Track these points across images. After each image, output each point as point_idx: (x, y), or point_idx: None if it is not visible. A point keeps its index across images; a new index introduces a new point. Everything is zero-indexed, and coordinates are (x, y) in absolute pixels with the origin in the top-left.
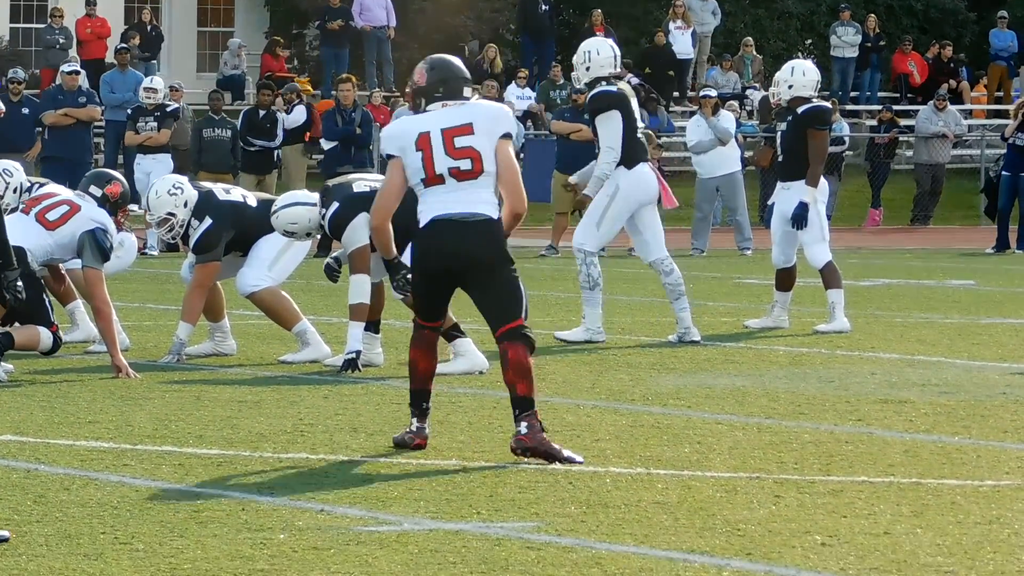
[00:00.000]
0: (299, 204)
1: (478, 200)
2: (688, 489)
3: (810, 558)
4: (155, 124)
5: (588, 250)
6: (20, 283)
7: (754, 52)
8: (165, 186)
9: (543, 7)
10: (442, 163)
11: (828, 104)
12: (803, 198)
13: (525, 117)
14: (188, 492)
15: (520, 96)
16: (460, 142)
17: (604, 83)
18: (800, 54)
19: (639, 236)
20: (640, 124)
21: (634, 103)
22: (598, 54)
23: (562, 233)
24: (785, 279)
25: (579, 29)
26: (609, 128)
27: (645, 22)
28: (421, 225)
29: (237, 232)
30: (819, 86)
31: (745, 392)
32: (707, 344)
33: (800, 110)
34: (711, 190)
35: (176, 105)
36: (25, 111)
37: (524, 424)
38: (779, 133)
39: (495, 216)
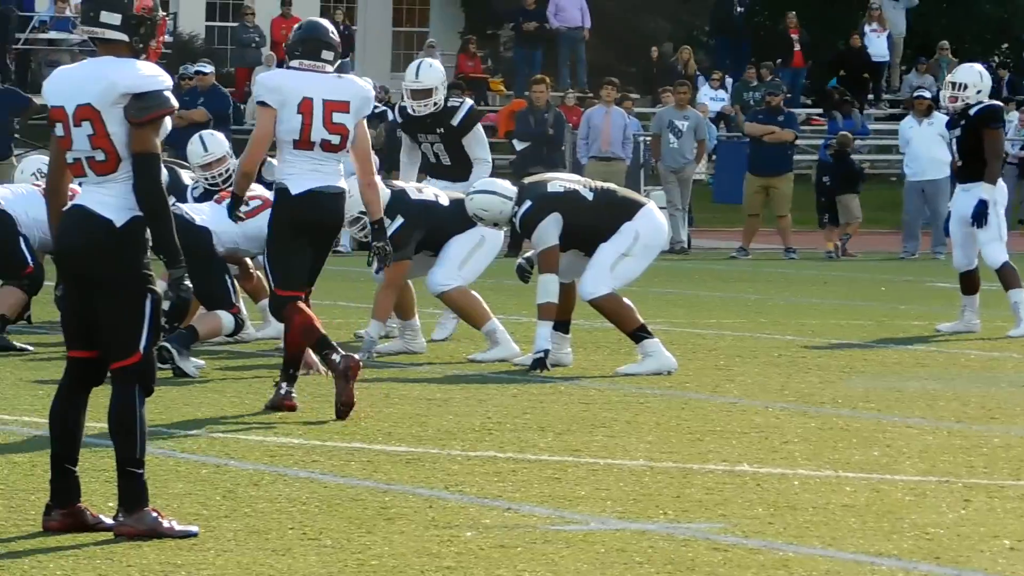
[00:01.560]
0: (495, 194)
1: (336, 173)
2: (877, 492)
3: (998, 563)
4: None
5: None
6: (188, 282)
7: (950, 55)
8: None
9: (738, 9)
10: (318, 133)
11: (999, 103)
12: (982, 196)
13: (718, 119)
14: (376, 489)
15: (713, 98)
16: (337, 118)
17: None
18: (997, 57)
19: None
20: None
21: None
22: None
23: (753, 235)
24: (969, 282)
25: (773, 31)
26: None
27: (840, 24)
28: (295, 192)
29: (428, 231)
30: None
31: (935, 396)
32: (898, 347)
33: (973, 111)
34: (918, 192)
35: (383, 107)
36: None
37: None
38: (954, 139)
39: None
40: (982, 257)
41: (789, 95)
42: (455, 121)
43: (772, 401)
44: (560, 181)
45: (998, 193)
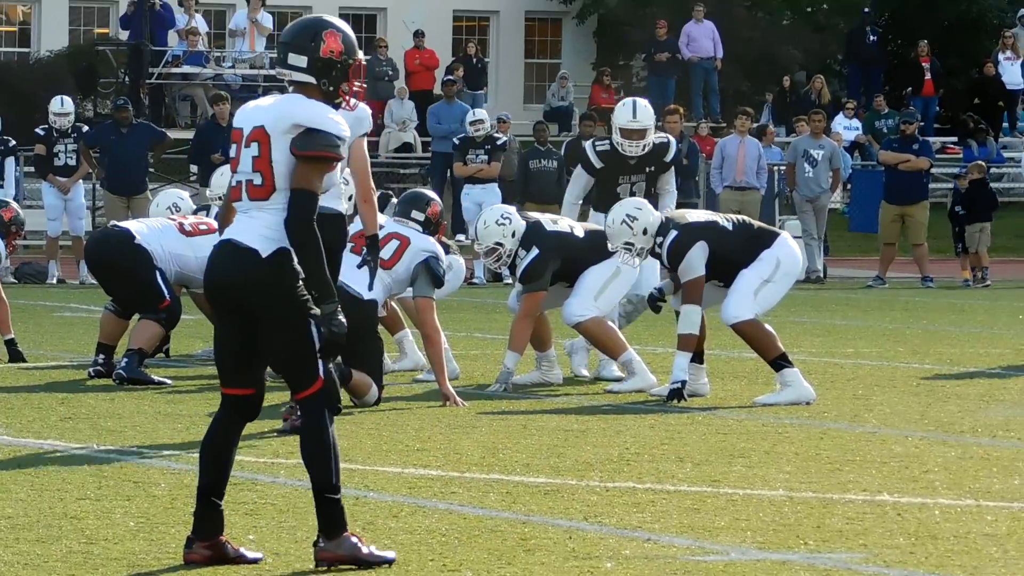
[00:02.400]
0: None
1: (334, 195)
2: (1018, 521)
3: None
4: (485, 156)
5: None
6: (342, 316)
7: None
8: (494, 216)
9: (871, 37)
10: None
11: None
12: None
13: (852, 147)
14: (515, 520)
15: (847, 127)
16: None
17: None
18: None
19: None
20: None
21: None
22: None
23: (890, 264)
24: None
25: (906, 59)
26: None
27: (974, 52)
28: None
29: (564, 262)
30: None
31: None
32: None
33: None
34: None
35: (504, 137)
36: None
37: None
38: None
39: None
40: None
41: (922, 123)
42: (668, 158)
43: (911, 430)
44: (697, 213)
45: None
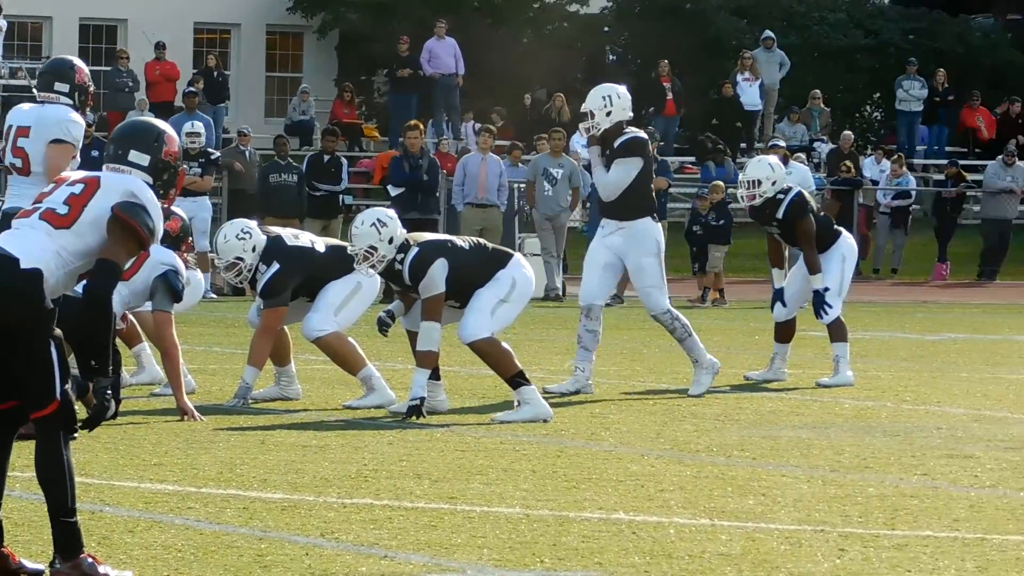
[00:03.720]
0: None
1: (21, 196)
2: (752, 541)
3: None
4: (199, 170)
5: (668, 307)
6: (110, 392)
7: (822, 104)
8: (234, 231)
9: (611, 57)
10: (7, 157)
11: (800, 191)
12: (815, 287)
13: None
14: (252, 536)
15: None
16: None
17: (627, 127)
18: (868, 107)
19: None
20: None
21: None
22: (619, 97)
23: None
24: (785, 331)
25: (646, 79)
26: (628, 173)
27: (712, 73)
28: None
29: (304, 277)
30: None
31: (810, 444)
32: (772, 396)
33: (781, 212)
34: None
35: (218, 154)
36: (95, 154)
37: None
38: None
39: None
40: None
41: (662, 143)
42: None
43: (648, 449)
44: (433, 236)
45: (847, 250)
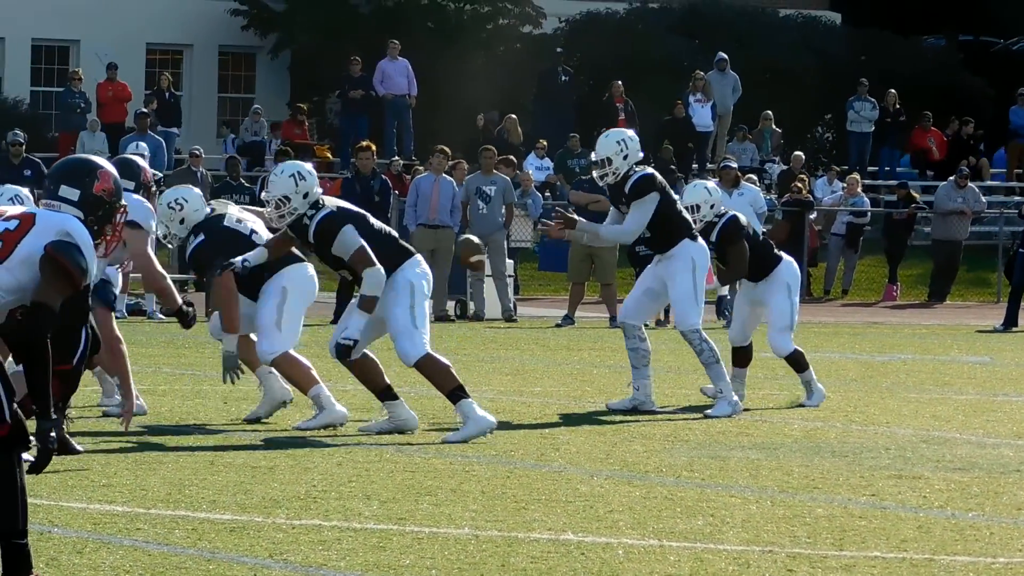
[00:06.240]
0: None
1: None
2: (701, 562)
3: None
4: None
5: (699, 327)
6: (54, 435)
7: (773, 125)
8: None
9: (562, 78)
10: None
11: (736, 215)
12: (721, 293)
13: (544, 187)
14: (200, 557)
15: (539, 167)
16: None
17: (638, 167)
18: (819, 128)
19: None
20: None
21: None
22: (632, 140)
23: (579, 303)
24: (742, 356)
25: (598, 100)
26: (645, 213)
27: (664, 94)
28: None
29: (230, 253)
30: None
31: (759, 465)
32: (721, 417)
33: (715, 235)
34: None
35: (160, 175)
36: (27, 172)
37: None
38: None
39: None
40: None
41: None
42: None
43: (597, 469)
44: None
45: (791, 278)
